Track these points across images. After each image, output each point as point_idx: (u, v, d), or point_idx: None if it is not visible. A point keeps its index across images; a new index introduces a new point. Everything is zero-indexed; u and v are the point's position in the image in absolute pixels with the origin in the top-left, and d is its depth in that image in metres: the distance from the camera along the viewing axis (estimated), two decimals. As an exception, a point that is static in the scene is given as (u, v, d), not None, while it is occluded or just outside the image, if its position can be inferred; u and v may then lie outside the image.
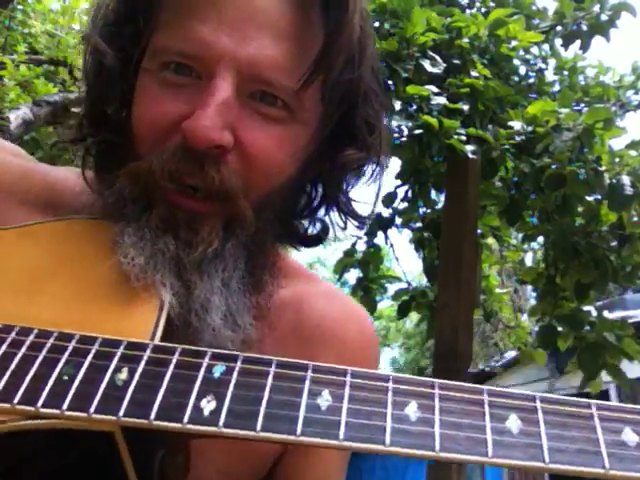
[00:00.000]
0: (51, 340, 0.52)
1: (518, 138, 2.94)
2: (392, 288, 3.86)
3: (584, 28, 3.47)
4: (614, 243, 3.18)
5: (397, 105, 2.77)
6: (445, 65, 2.94)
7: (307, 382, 0.49)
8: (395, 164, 3.37)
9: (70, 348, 0.51)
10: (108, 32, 0.68)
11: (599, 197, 3.07)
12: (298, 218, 0.77)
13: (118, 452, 0.48)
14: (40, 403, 0.47)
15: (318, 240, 0.79)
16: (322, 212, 0.77)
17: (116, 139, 0.69)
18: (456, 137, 2.71)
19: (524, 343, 4.26)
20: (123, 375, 0.49)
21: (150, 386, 0.48)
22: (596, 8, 3.46)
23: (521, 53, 3.42)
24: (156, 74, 0.64)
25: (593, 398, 0.47)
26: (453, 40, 3.01)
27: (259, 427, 0.46)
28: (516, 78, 3.45)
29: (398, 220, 3.74)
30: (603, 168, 2.88)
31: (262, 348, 0.67)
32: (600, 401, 0.48)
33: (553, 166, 2.93)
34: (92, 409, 0.47)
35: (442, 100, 2.80)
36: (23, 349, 0.51)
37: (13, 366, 0.50)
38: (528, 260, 3.79)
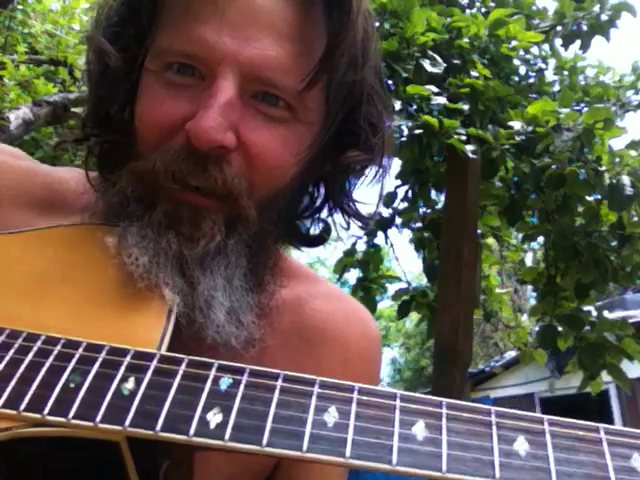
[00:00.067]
0: (58, 347, 0.52)
1: (518, 138, 2.93)
2: (392, 288, 3.86)
3: (584, 28, 3.47)
4: (614, 243, 3.18)
5: (397, 105, 2.77)
6: (445, 65, 2.93)
7: (314, 397, 0.48)
8: (395, 164, 3.38)
9: (77, 356, 0.51)
10: (112, 33, 0.68)
11: (599, 197, 3.07)
12: (300, 218, 0.77)
13: (123, 462, 0.48)
14: (46, 410, 0.47)
15: (320, 240, 0.79)
16: (325, 213, 0.77)
17: (119, 139, 0.69)
18: (456, 137, 2.71)
19: (524, 343, 4.26)
20: (130, 385, 0.49)
21: (156, 397, 0.48)
22: (596, 8, 3.46)
23: (521, 53, 3.42)
24: (159, 75, 0.64)
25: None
26: (453, 40, 3.01)
27: (265, 442, 0.45)
28: (516, 78, 3.45)
29: (398, 220, 3.74)
30: (603, 168, 2.88)
31: (264, 347, 0.67)
32: (608, 425, 0.47)
33: (553, 166, 2.93)
34: (98, 418, 0.46)
35: (442, 100, 2.80)
36: (30, 355, 0.51)
37: (20, 372, 0.50)
38: (528, 260, 3.78)
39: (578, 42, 3.52)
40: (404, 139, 2.92)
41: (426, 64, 2.84)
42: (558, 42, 3.57)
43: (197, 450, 0.54)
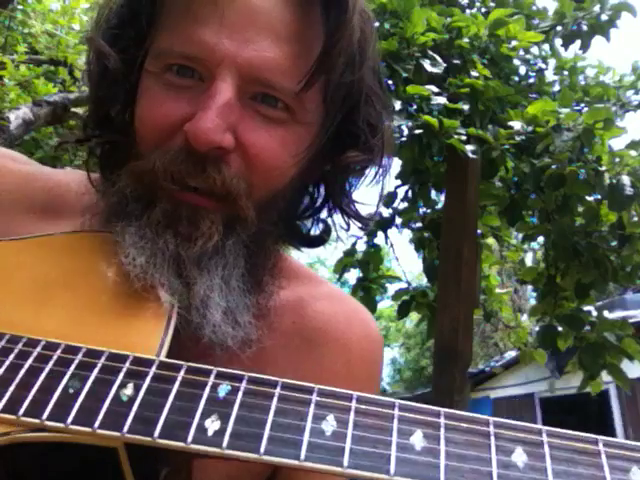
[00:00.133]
0: (58, 352, 0.52)
1: (518, 138, 2.93)
2: (392, 288, 3.87)
3: (584, 28, 3.47)
4: (614, 243, 3.18)
5: (397, 105, 2.77)
6: (445, 65, 2.93)
7: (312, 406, 0.48)
8: (395, 164, 3.38)
9: (76, 361, 0.51)
10: (111, 35, 0.69)
11: (599, 197, 3.07)
12: (300, 219, 0.77)
13: (121, 468, 0.48)
14: (45, 416, 0.47)
15: (321, 241, 0.79)
16: (324, 213, 0.77)
17: (120, 140, 0.70)
18: (456, 137, 2.71)
19: (524, 343, 4.26)
20: (128, 391, 0.49)
21: (155, 403, 0.48)
22: (596, 8, 3.46)
23: (521, 53, 3.42)
24: (159, 76, 0.65)
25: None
26: (453, 40, 3.01)
27: (262, 450, 0.45)
28: (516, 78, 3.45)
29: (398, 220, 3.74)
30: (603, 168, 2.88)
31: (264, 348, 0.67)
32: (606, 437, 0.47)
33: (553, 166, 2.94)
34: (96, 424, 0.46)
35: (442, 100, 2.80)
36: (30, 361, 0.51)
37: (19, 378, 0.50)
38: (528, 260, 3.78)
39: (578, 42, 3.52)
40: (404, 139, 2.92)
41: (426, 64, 2.84)
42: (558, 42, 3.57)
43: (195, 457, 0.54)
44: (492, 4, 3.52)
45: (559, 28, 3.52)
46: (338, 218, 0.77)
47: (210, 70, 0.62)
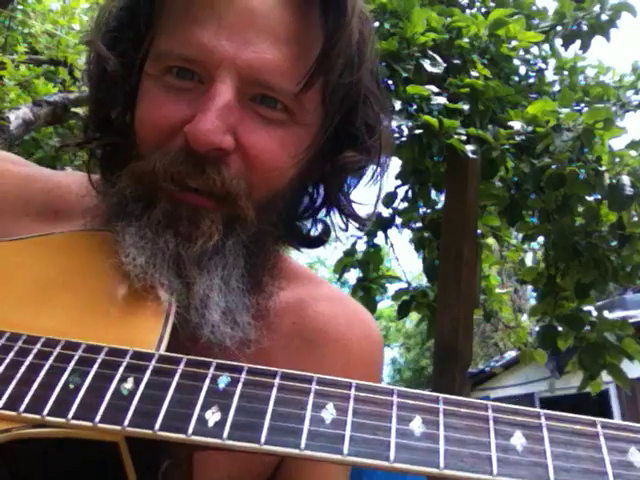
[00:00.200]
0: (57, 349, 0.52)
1: (518, 138, 2.93)
2: (392, 288, 3.86)
3: (584, 28, 3.47)
4: (614, 243, 3.18)
5: (397, 105, 2.77)
6: (445, 65, 2.93)
7: (311, 395, 0.49)
8: (395, 164, 3.38)
9: (76, 357, 0.51)
10: (110, 38, 0.69)
11: (599, 197, 3.07)
12: (300, 219, 0.78)
13: (122, 462, 0.48)
14: (46, 411, 0.47)
15: (320, 241, 0.80)
16: (323, 213, 0.78)
17: (121, 142, 0.70)
18: (456, 137, 2.71)
19: (524, 343, 4.26)
20: (129, 385, 0.49)
21: (155, 396, 0.48)
22: (596, 8, 3.46)
23: (521, 53, 3.42)
24: (159, 78, 0.65)
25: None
26: (453, 40, 3.01)
27: (263, 440, 0.46)
28: (516, 78, 3.45)
29: (398, 220, 3.74)
30: (603, 168, 2.88)
31: (261, 349, 0.67)
32: (604, 419, 0.47)
33: (553, 166, 2.93)
34: (97, 418, 0.47)
35: (442, 100, 2.80)
36: (30, 357, 0.51)
37: (19, 374, 0.50)
38: (528, 260, 3.78)
39: (578, 42, 3.52)
40: (404, 139, 2.92)
41: (426, 64, 2.84)
42: (558, 42, 3.57)
43: (196, 450, 0.54)
44: (492, 4, 3.51)
45: (559, 28, 3.52)
46: (337, 218, 0.77)
47: (209, 72, 0.62)
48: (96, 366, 0.50)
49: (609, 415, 8.72)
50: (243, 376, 0.50)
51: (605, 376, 3.26)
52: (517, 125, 2.89)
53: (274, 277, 0.73)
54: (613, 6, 3.43)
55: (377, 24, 2.91)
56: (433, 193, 3.59)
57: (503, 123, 2.99)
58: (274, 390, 0.49)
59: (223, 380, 0.50)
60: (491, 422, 0.47)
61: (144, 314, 0.58)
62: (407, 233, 3.86)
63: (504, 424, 0.47)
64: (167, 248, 0.62)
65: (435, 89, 2.81)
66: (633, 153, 2.94)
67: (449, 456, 0.45)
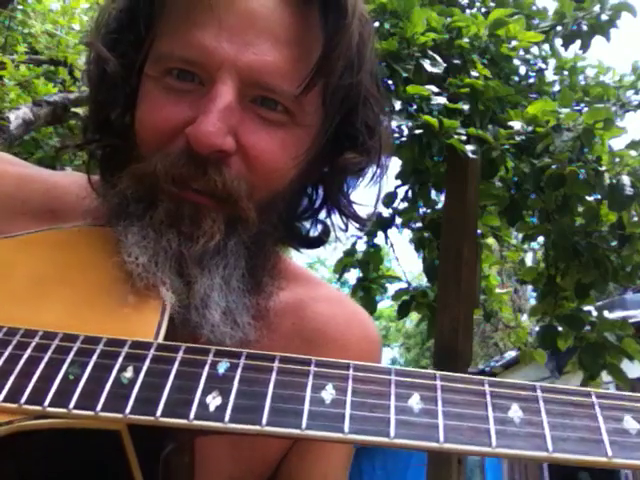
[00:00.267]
0: (56, 341, 0.52)
1: (518, 138, 2.93)
2: (392, 288, 3.87)
3: (584, 28, 3.47)
4: (614, 243, 3.18)
5: (397, 105, 2.77)
6: (445, 65, 2.93)
7: (311, 376, 0.49)
8: (395, 164, 3.38)
9: (75, 348, 0.52)
10: (110, 39, 0.69)
11: (599, 197, 3.07)
12: (300, 220, 0.78)
13: (124, 450, 0.49)
14: (47, 402, 0.47)
15: (319, 242, 0.80)
16: (323, 214, 0.78)
17: (121, 143, 0.70)
18: (456, 137, 2.71)
19: (524, 343, 4.26)
20: (128, 374, 0.49)
21: (155, 384, 0.48)
22: (596, 8, 3.46)
23: (521, 53, 3.42)
24: (159, 80, 0.65)
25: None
26: (453, 40, 3.01)
27: (264, 422, 0.46)
28: (516, 78, 3.45)
29: (398, 220, 3.74)
30: (603, 168, 2.88)
31: (260, 349, 0.67)
32: (599, 390, 0.48)
33: (553, 166, 2.93)
34: (99, 407, 0.47)
35: (442, 100, 2.80)
36: (29, 350, 0.52)
37: (19, 367, 0.50)
38: (528, 260, 3.78)
39: (578, 42, 3.52)
40: (404, 139, 2.93)
41: (426, 64, 2.84)
42: (558, 42, 3.57)
43: (198, 435, 0.54)
44: (492, 4, 3.51)
45: (559, 28, 3.52)
46: (337, 219, 0.78)
47: (210, 74, 0.62)
48: (95, 356, 0.51)
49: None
50: (242, 361, 0.51)
51: (605, 376, 3.26)
52: (517, 125, 2.89)
53: (274, 278, 0.73)
54: (613, 6, 3.43)
55: (377, 24, 2.91)
56: (433, 193, 3.59)
57: (503, 123, 2.99)
58: (273, 373, 0.50)
59: (222, 366, 0.50)
60: (488, 396, 0.48)
61: (143, 310, 0.58)
62: (407, 233, 3.87)
63: (501, 398, 0.48)
64: (169, 247, 0.62)
65: (435, 89, 2.81)
66: (633, 153, 2.94)
67: (448, 430, 0.45)
